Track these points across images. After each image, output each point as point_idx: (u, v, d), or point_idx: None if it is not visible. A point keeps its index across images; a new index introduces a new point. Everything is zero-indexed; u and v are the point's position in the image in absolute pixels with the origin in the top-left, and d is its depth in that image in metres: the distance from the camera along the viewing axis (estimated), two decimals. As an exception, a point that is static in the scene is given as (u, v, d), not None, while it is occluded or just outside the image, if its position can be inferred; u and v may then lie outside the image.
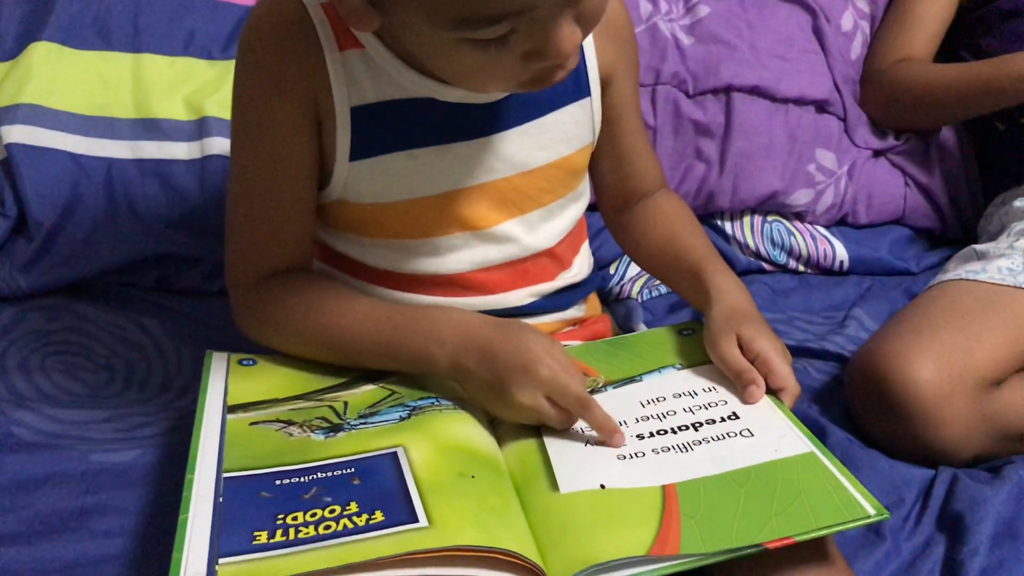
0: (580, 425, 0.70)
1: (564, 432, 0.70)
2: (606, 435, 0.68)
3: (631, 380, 0.76)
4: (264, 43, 0.71)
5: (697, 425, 0.70)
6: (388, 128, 0.73)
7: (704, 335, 0.77)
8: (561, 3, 0.60)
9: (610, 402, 0.72)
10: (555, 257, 0.83)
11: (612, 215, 0.91)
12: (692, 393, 0.74)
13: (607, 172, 0.87)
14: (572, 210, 0.84)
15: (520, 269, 0.81)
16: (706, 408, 0.72)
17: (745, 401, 0.72)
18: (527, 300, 0.82)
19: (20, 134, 1.02)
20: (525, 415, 0.70)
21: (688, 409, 0.72)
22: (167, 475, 0.75)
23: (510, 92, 0.70)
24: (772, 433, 0.68)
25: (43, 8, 1.08)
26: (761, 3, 1.21)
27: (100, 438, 0.80)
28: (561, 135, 0.79)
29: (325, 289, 0.77)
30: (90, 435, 0.80)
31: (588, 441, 0.69)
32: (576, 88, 0.79)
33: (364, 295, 0.78)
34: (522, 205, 0.79)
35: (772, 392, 0.73)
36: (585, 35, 0.63)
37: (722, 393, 0.73)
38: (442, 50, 0.62)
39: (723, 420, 0.70)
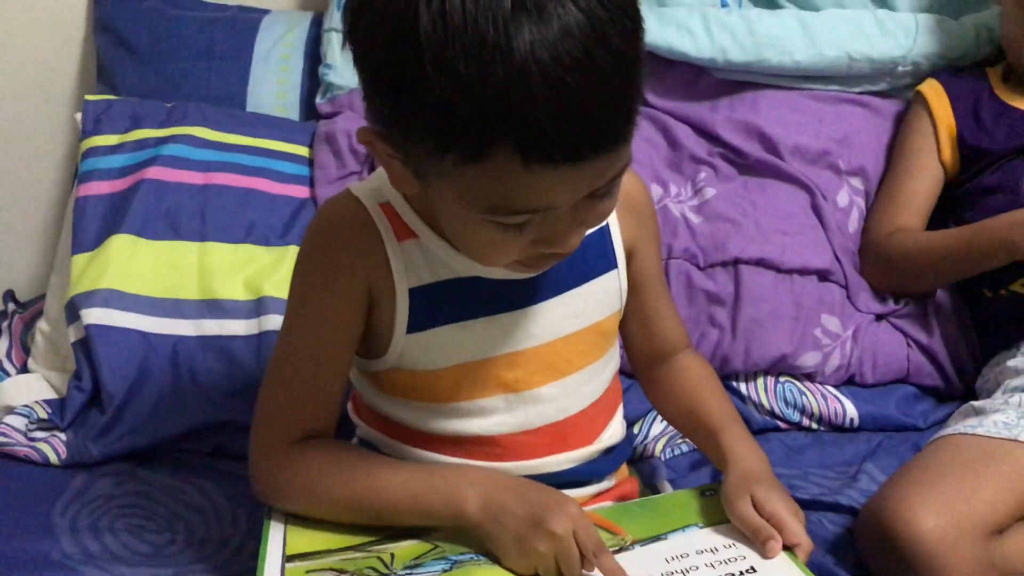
0: None
1: None
2: None
3: (657, 538, 0.81)
4: (327, 237, 0.81)
5: None
6: (441, 304, 0.81)
7: (722, 497, 0.83)
8: (576, 208, 0.70)
9: (637, 559, 0.77)
10: (591, 420, 0.88)
11: (641, 371, 0.98)
12: (714, 550, 0.79)
13: (635, 333, 0.95)
14: (606, 372, 0.90)
15: (560, 433, 0.86)
16: (726, 563, 0.77)
17: (764, 556, 0.77)
18: (565, 466, 0.87)
19: (98, 316, 1.11)
20: (546, 557, 0.74)
21: (710, 564, 0.77)
22: None
23: (510, 269, 0.77)
24: None
25: (122, 205, 1.19)
26: (763, 184, 1.30)
27: None
28: (593, 303, 0.86)
29: (350, 452, 0.83)
30: None
31: None
32: (604, 262, 0.87)
33: (390, 457, 0.84)
34: (561, 368, 0.85)
35: (787, 549, 0.78)
36: (589, 229, 0.74)
37: (741, 549, 0.79)
38: (464, 224, 0.71)
39: (742, 573, 0.75)
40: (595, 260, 0.87)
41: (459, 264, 0.80)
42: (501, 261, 0.74)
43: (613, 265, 0.88)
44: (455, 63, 0.62)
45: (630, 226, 0.89)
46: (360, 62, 0.69)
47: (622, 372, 0.96)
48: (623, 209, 0.87)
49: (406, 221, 0.80)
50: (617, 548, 0.79)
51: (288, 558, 0.75)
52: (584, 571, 0.75)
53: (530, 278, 0.82)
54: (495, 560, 0.76)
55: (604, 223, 0.85)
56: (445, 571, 0.74)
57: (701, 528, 0.82)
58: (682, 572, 0.76)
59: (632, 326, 0.94)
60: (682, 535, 0.81)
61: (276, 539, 0.78)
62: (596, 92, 0.63)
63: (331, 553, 0.77)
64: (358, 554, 0.77)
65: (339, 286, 0.80)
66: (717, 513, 0.83)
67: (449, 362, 0.82)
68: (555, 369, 0.85)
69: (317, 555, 0.76)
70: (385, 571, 0.74)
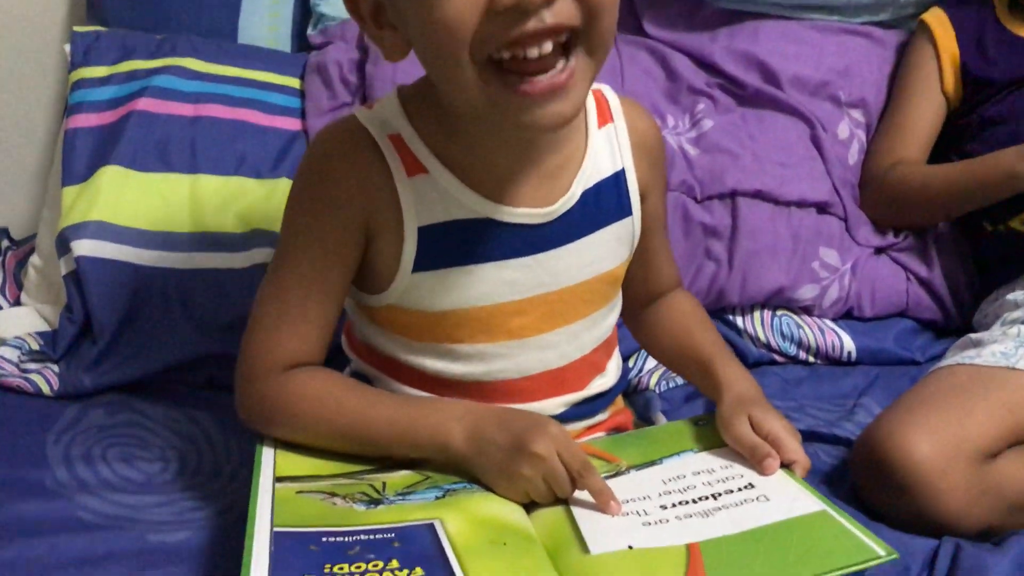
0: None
1: (590, 504, 0.74)
2: (603, 502, 0.72)
3: (652, 463, 0.81)
4: (329, 162, 0.78)
5: (716, 495, 0.74)
6: (451, 245, 0.79)
7: (717, 420, 0.83)
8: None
9: (633, 482, 0.77)
10: (589, 365, 0.88)
11: (632, 312, 0.97)
12: (710, 470, 0.79)
13: (635, 275, 0.92)
14: (609, 319, 0.89)
15: (557, 378, 0.85)
16: (723, 481, 0.77)
17: (761, 473, 0.77)
18: (559, 409, 0.86)
19: (89, 248, 1.10)
20: (533, 480, 0.73)
21: (707, 483, 0.76)
22: (217, 553, 0.80)
23: (481, 67, 0.69)
24: (786, 497, 0.73)
25: (112, 138, 1.18)
26: (761, 116, 1.28)
27: (155, 520, 0.85)
28: (605, 252, 0.84)
29: (337, 381, 0.81)
30: (147, 517, 0.85)
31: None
32: (619, 208, 0.85)
33: (377, 389, 0.82)
34: (567, 315, 0.84)
35: (784, 466, 0.78)
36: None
37: (738, 469, 0.78)
38: (427, 11, 0.65)
39: (740, 490, 0.75)
40: (610, 206, 0.84)
41: (471, 202, 0.78)
42: (467, 38, 0.66)
43: (628, 212, 0.85)
44: None
45: (644, 170, 0.87)
46: None
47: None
48: (638, 153, 0.85)
49: (416, 154, 0.78)
50: (612, 473, 0.79)
51: (278, 479, 0.75)
52: (576, 492, 0.75)
53: (544, 224, 0.80)
54: (487, 489, 0.76)
55: (620, 168, 0.83)
56: (438, 498, 0.74)
57: (696, 452, 0.82)
58: (679, 491, 0.76)
59: (633, 269, 0.92)
60: (678, 459, 0.81)
61: (267, 461, 0.78)
62: None
63: (321, 479, 0.77)
64: (349, 481, 0.77)
65: (335, 213, 0.78)
66: (712, 440, 0.83)
67: (454, 305, 0.80)
68: (561, 316, 0.84)
69: (308, 479, 0.76)
70: (377, 496, 0.73)
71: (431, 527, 0.68)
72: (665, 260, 0.95)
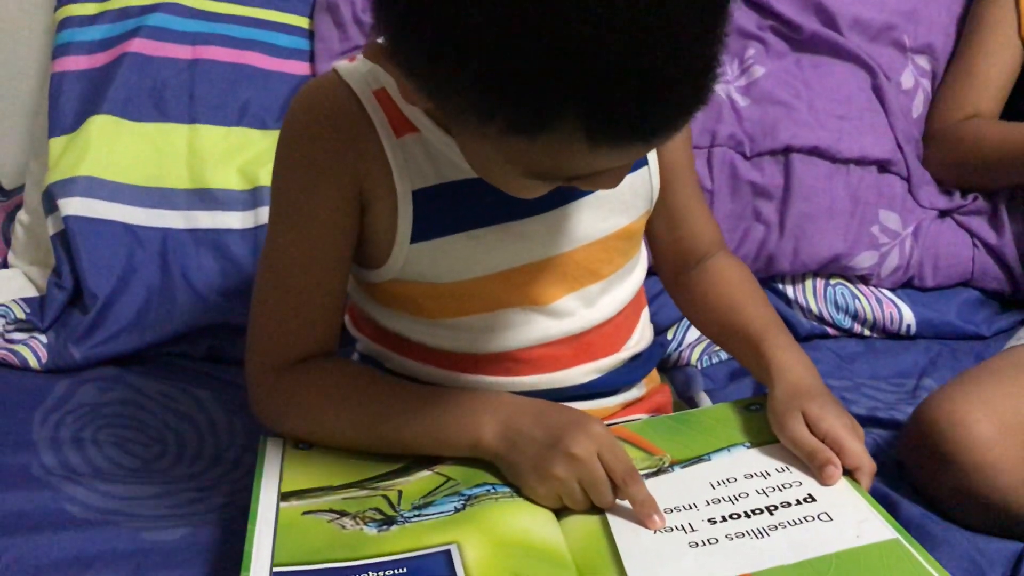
0: None
1: (629, 514, 0.68)
2: (644, 515, 0.67)
3: (699, 460, 0.74)
4: (310, 128, 0.72)
5: (772, 508, 0.67)
6: (449, 210, 0.73)
7: (769, 414, 0.75)
8: (622, 171, 0.62)
9: (678, 483, 0.71)
10: (616, 327, 0.82)
11: (670, 277, 0.90)
12: (765, 474, 0.71)
13: (662, 233, 0.87)
14: (630, 280, 0.83)
15: (583, 343, 0.80)
16: (780, 490, 0.69)
17: (823, 483, 0.69)
18: (590, 376, 0.81)
19: (77, 206, 1.05)
20: (568, 483, 0.68)
21: (762, 491, 0.69)
22: (218, 555, 0.74)
23: None
24: (852, 517, 0.66)
25: (102, 83, 1.12)
26: (817, 63, 1.21)
27: (151, 515, 0.79)
28: (620, 205, 0.79)
29: (356, 374, 0.77)
30: (141, 511, 0.80)
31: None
32: None
33: (399, 380, 0.78)
34: (581, 279, 0.78)
35: (846, 472, 0.70)
36: None
37: (796, 474, 0.71)
38: (497, 171, 0.64)
39: (799, 503, 0.68)
40: None
41: (467, 163, 0.70)
42: (529, 196, 0.66)
43: (644, 162, 0.79)
44: (512, 23, 0.51)
45: None
46: None
47: (650, 274, 0.89)
48: None
49: (405, 112, 0.72)
50: (655, 470, 0.73)
51: (284, 496, 0.69)
52: (617, 499, 0.68)
53: None
54: (516, 491, 0.70)
55: None
56: (458, 510, 0.68)
57: (748, 448, 0.75)
58: (731, 500, 0.69)
59: (659, 226, 0.86)
60: (727, 455, 0.74)
61: (271, 473, 0.72)
62: (681, 60, 0.53)
63: (332, 490, 0.71)
64: (362, 492, 0.71)
65: (326, 186, 0.72)
66: (765, 431, 0.76)
67: (460, 276, 0.75)
68: (576, 279, 0.78)
69: (316, 492, 0.71)
70: (391, 513, 0.68)
71: (447, 555, 0.63)
72: (699, 218, 0.87)
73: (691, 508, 0.68)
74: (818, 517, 0.66)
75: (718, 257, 0.88)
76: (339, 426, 0.75)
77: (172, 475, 0.86)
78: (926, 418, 0.83)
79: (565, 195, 0.75)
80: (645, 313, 0.87)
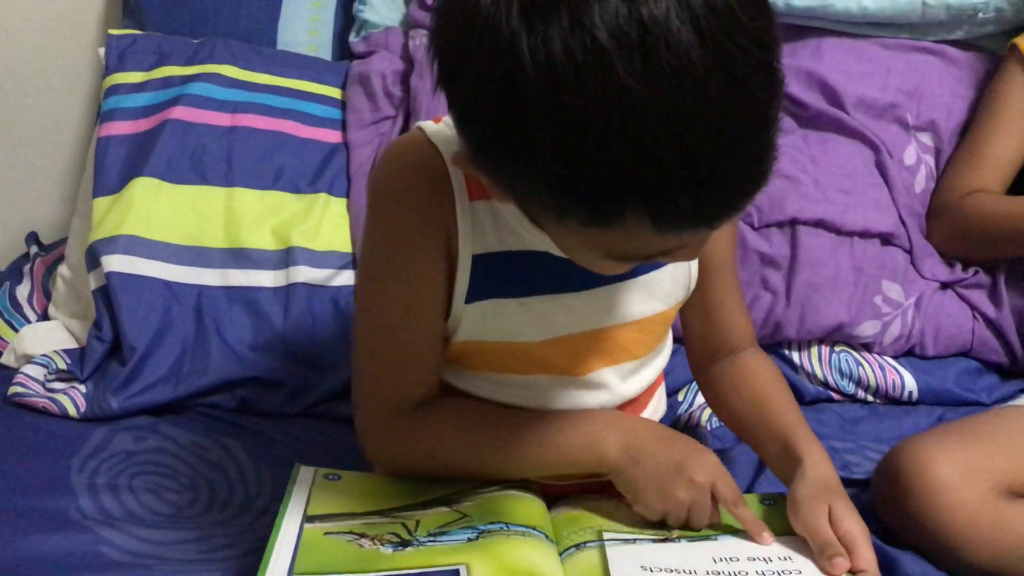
0: (650, 563, 0.71)
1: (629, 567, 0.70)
2: (755, 532, 0.75)
3: (706, 538, 0.76)
4: (409, 188, 0.75)
5: None
6: (505, 275, 0.76)
7: (789, 501, 0.77)
8: (697, 245, 0.66)
9: (683, 552, 0.73)
10: (635, 403, 0.86)
11: (698, 366, 0.92)
12: (767, 559, 0.74)
13: (695, 322, 0.89)
14: (659, 360, 0.87)
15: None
16: (779, 575, 0.72)
17: (826, 572, 0.72)
18: None
19: (119, 263, 1.08)
20: (680, 504, 0.74)
21: (760, 573, 0.71)
22: None
23: None
24: None
25: (145, 147, 1.15)
26: (824, 138, 1.23)
27: (183, 559, 0.82)
28: (660, 292, 0.81)
29: (476, 408, 0.80)
30: (174, 555, 0.82)
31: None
32: None
33: (517, 411, 0.80)
34: (616, 355, 0.81)
35: (851, 574, 0.72)
36: None
37: (798, 563, 0.73)
38: (576, 250, 0.66)
39: None
40: None
41: (530, 236, 0.74)
42: (613, 273, 0.72)
43: None
44: (569, 137, 0.55)
45: None
46: (460, 115, 0.62)
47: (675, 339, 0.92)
48: None
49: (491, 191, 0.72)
50: (662, 539, 0.75)
51: (308, 518, 0.73)
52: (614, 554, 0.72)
53: None
54: (529, 531, 0.73)
55: None
56: (471, 539, 0.71)
57: None
58: (729, 575, 0.71)
59: (693, 315, 0.88)
60: (734, 540, 0.76)
61: (299, 497, 0.76)
62: (737, 152, 0.56)
63: (354, 516, 0.75)
64: (382, 519, 0.75)
65: (424, 240, 0.74)
66: (776, 524, 0.77)
67: (503, 337, 0.78)
68: (612, 356, 0.81)
69: (339, 517, 0.74)
70: (407, 537, 0.72)
71: (456, 573, 0.66)
72: (733, 312, 0.89)
73: (690, 574, 0.71)
74: None
75: (748, 352, 0.89)
76: (463, 458, 0.78)
77: (203, 521, 0.88)
78: (892, 461, 0.87)
79: (613, 276, 0.78)
80: (661, 389, 0.91)
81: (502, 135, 0.58)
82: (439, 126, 0.76)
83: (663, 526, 0.76)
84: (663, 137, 0.54)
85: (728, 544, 0.75)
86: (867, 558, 0.72)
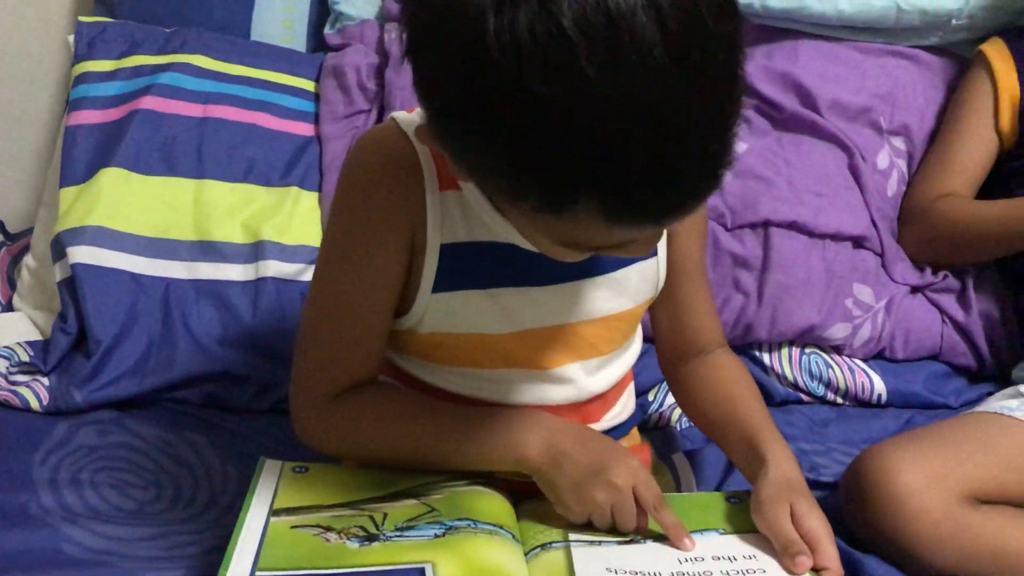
0: (615, 565, 0.71)
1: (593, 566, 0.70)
2: (676, 537, 0.74)
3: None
4: (375, 177, 0.75)
5: None
6: (472, 266, 0.76)
7: (753, 500, 0.77)
8: (649, 241, 0.67)
9: (647, 552, 0.74)
10: (604, 400, 0.86)
11: (668, 366, 0.92)
12: (731, 558, 0.74)
13: (664, 321, 0.89)
14: (626, 358, 0.87)
15: (579, 411, 0.83)
16: (743, 574, 0.72)
17: (789, 570, 0.72)
18: None
19: (85, 254, 1.07)
20: (603, 507, 0.73)
21: (724, 572, 0.72)
22: None
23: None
24: None
25: (114, 137, 1.14)
26: (798, 141, 1.24)
27: (146, 556, 0.81)
28: (628, 289, 0.82)
29: (399, 398, 0.81)
30: (137, 552, 0.81)
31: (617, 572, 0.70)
32: None
33: (440, 402, 0.81)
34: (583, 351, 0.82)
35: (814, 571, 0.73)
36: None
37: (762, 561, 0.73)
38: (533, 236, 0.68)
39: None
40: None
41: (498, 227, 0.74)
42: (556, 256, 0.70)
43: (654, 252, 0.82)
44: (528, 121, 0.55)
45: None
46: (425, 89, 0.62)
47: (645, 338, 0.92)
48: None
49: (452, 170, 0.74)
50: (627, 540, 0.76)
51: (275, 512, 0.73)
52: (579, 554, 0.72)
53: None
54: (496, 530, 0.73)
55: None
56: (438, 536, 0.71)
57: (722, 534, 0.78)
58: (693, 575, 0.72)
59: (663, 314, 0.89)
60: (699, 537, 0.76)
61: (265, 491, 0.76)
62: (693, 152, 0.57)
63: (321, 509, 0.74)
64: (349, 511, 0.74)
65: (386, 231, 0.75)
66: (741, 522, 0.78)
67: (470, 329, 0.78)
68: (579, 351, 0.82)
69: (306, 510, 0.74)
70: (374, 531, 0.71)
71: (420, 572, 0.66)
72: (701, 312, 0.89)
73: (656, 575, 0.71)
74: None
75: (718, 353, 0.90)
76: (390, 446, 0.79)
77: (167, 518, 0.87)
78: (857, 469, 0.87)
79: (581, 271, 0.78)
80: (630, 388, 0.90)
81: (463, 112, 0.58)
82: (412, 116, 0.77)
83: (592, 529, 0.76)
84: (619, 131, 0.55)
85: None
86: (830, 555, 0.73)
